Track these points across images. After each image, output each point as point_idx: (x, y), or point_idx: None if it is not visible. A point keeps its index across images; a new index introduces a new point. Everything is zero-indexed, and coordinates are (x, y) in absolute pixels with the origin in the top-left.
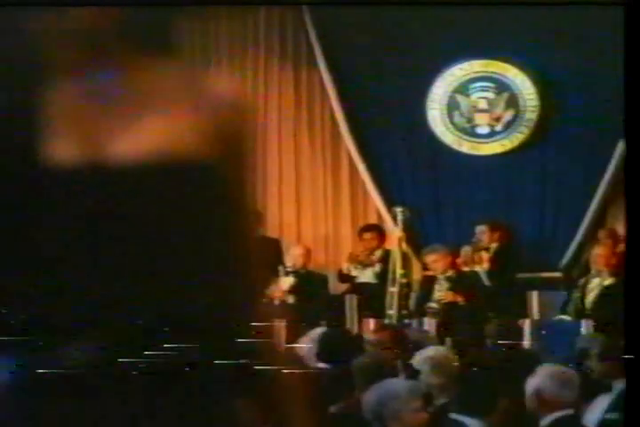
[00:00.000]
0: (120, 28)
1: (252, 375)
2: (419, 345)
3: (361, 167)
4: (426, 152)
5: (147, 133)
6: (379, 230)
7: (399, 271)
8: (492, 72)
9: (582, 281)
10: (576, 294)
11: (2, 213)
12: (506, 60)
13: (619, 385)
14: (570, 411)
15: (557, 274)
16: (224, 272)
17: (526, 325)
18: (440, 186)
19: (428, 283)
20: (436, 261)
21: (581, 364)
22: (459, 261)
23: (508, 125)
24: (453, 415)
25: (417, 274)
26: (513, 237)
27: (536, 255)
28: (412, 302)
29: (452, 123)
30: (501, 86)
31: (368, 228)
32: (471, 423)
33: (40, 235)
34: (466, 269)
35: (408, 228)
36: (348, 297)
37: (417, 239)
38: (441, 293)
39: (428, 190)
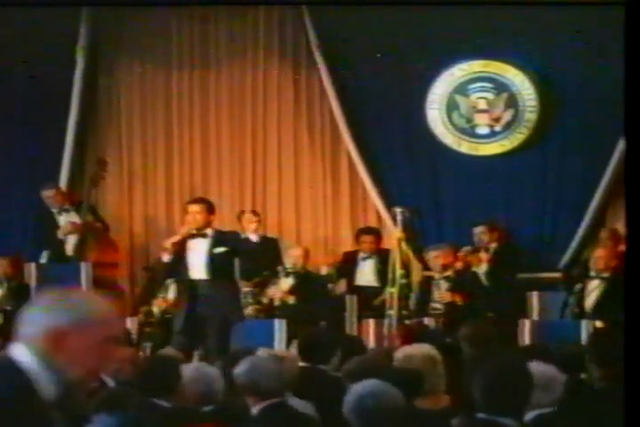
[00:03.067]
0: None
1: None
2: None
3: (360, 167)
4: (425, 152)
5: None
6: (377, 233)
7: (399, 272)
8: (491, 72)
9: (582, 282)
10: (576, 295)
11: None
12: (505, 61)
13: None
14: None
15: (557, 274)
16: None
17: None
18: (439, 186)
19: (428, 283)
20: (438, 257)
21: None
22: (458, 261)
23: (508, 126)
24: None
25: (417, 275)
26: (512, 238)
27: (535, 256)
28: (411, 303)
29: (452, 123)
30: (501, 86)
31: (366, 230)
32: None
33: None
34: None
35: (407, 228)
36: (348, 298)
37: (416, 240)
38: (440, 293)
39: (427, 191)
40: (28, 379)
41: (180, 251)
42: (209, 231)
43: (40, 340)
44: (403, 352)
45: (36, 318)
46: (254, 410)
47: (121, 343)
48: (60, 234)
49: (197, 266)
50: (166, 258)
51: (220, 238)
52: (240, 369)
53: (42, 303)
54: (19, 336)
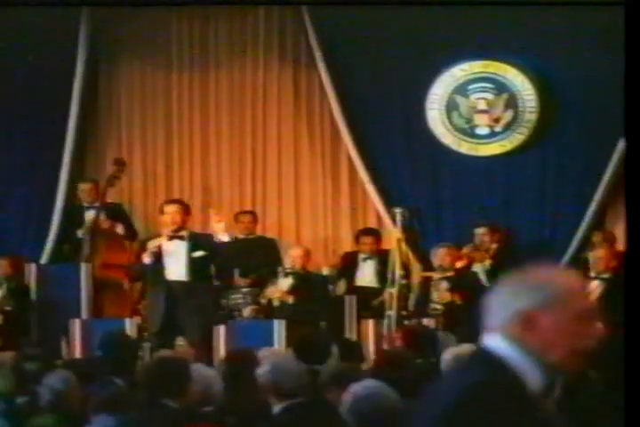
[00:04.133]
0: None
1: None
2: None
3: (360, 168)
4: (425, 153)
5: None
6: (377, 234)
7: (398, 272)
8: (491, 73)
9: None
10: None
11: None
12: (505, 61)
13: None
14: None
15: None
16: None
17: None
18: (439, 187)
19: (427, 284)
20: (447, 254)
21: None
22: (463, 258)
23: (508, 126)
24: None
25: (416, 275)
26: (512, 239)
27: (535, 256)
28: (411, 303)
29: (452, 123)
30: (501, 87)
31: (366, 231)
32: None
33: None
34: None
35: (407, 229)
36: (347, 298)
37: (416, 240)
38: (440, 293)
39: (427, 191)
40: (511, 370)
41: (158, 252)
42: (185, 233)
43: (512, 326)
44: (451, 353)
45: (504, 303)
46: (275, 409)
47: (597, 316)
48: (80, 233)
49: (175, 268)
50: (148, 260)
51: (196, 241)
52: (262, 369)
53: (507, 287)
54: (489, 325)
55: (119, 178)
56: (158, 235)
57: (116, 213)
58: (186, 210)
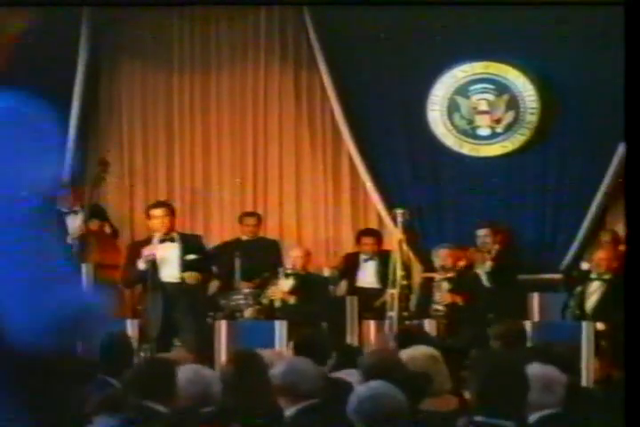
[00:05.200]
0: None
1: None
2: None
3: (361, 169)
4: (426, 154)
5: None
6: (378, 235)
7: (399, 273)
8: (492, 74)
9: (583, 284)
10: (577, 297)
11: None
12: (506, 62)
13: None
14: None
15: (558, 276)
16: None
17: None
18: (440, 188)
19: (429, 285)
20: (449, 255)
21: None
22: (460, 262)
23: (509, 127)
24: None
25: (417, 276)
26: (514, 240)
27: (536, 257)
28: (412, 304)
29: (453, 124)
30: (502, 88)
31: (367, 232)
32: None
33: None
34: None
35: (408, 230)
36: (348, 299)
37: (417, 241)
38: (441, 294)
39: (428, 192)
40: None
41: (153, 259)
42: (175, 235)
43: None
44: (405, 354)
45: None
46: (288, 412)
47: None
48: (69, 239)
49: (168, 270)
50: (142, 266)
51: (187, 243)
52: (277, 370)
53: None
54: None
55: (104, 178)
56: (148, 239)
57: (97, 213)
58: (172, 211)
